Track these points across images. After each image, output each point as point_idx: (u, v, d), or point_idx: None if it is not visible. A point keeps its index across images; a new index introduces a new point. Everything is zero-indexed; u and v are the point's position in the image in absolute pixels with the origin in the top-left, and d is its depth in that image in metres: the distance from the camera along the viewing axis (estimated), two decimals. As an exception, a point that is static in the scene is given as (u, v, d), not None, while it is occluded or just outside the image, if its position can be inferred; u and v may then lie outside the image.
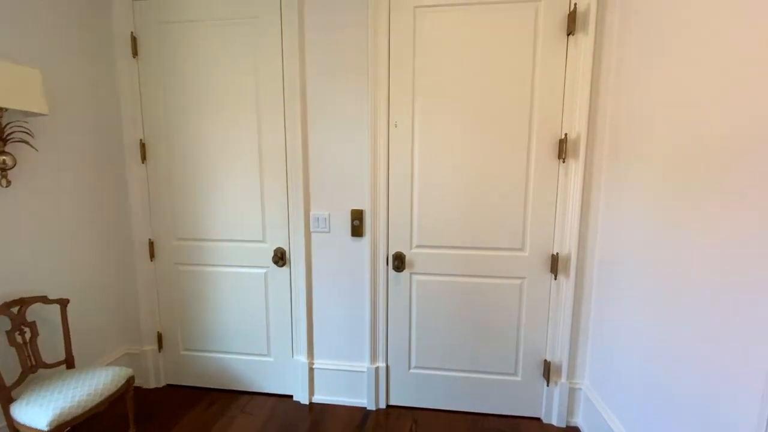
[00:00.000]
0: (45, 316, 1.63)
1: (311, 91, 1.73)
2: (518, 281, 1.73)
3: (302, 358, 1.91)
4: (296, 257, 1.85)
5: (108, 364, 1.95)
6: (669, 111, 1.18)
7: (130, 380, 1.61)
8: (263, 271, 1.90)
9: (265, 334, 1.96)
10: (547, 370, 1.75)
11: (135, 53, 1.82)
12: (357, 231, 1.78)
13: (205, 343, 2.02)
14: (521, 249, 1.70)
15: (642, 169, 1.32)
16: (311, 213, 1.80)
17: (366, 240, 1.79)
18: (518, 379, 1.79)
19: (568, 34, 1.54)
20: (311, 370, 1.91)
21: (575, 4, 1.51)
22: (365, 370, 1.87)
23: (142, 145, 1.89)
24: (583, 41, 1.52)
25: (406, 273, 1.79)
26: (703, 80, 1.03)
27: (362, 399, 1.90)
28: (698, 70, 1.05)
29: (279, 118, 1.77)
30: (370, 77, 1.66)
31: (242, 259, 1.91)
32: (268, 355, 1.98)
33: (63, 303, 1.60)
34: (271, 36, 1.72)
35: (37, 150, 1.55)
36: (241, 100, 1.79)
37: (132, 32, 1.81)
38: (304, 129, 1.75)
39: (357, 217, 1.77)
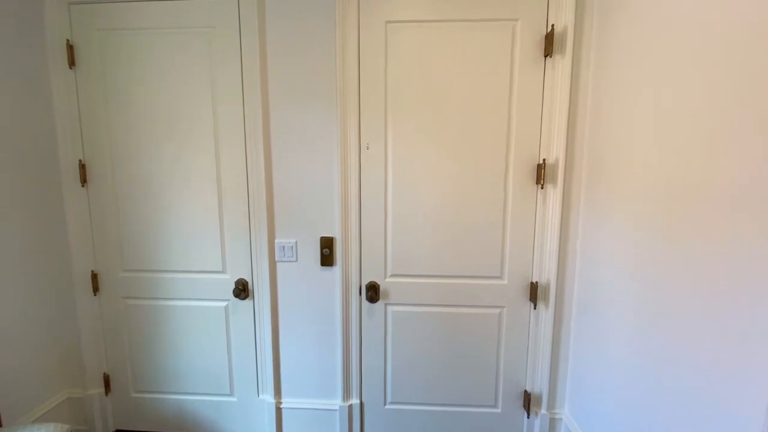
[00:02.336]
0: (-41, 370, 1.40)
1: (274, 109, 1.58)
2: (497, 310, 1.66)
3: (269, 398, 1.76)
4: (260, 289, 1.69)
5: (45, 413, 1.72)
6: (645, 134, 1.13)
7: (67, 438, 1.40)
8: (223, 304, 1.73)
9: (227, 373, 1.79)
10: (528, 401, 1.68)
11: (72, 63, 1.61)
12: (327, 260, 1.65)
13: (160, 383, 1.83)
14: (500, 277, 1.63)
15: (620, 194, 1.27)
16: (276, 241, 1.66)
17: (337, 269, 1.66)
18: (498, 411, 1.72)
19: (546, 56, 1.48)
20: (279, 410, 1.76)
21: (552, 25, 1.45)
22: (337, 408, 1.74)
23: (82, 166, 1.67)
24: (561, 63, 1.47)
25: (380, 304, 1.68)
26: (676, 103, 0.98)
27: (335, 439, 1.77)
28: (672, 92, 1.00)
29: (239, 138, 1.61)
30: (339, 95, 1.54)
31: (200, 292, 1.73)
32: (231, 395, 1.81)
33: (-19, 354, 1.38)
34: (228, 50, 1.56)
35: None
36: (197, 118, 1.61)
37: (68, 40, 1.60)
38: (267, 150, 1.60)
39: (327, 245, 1.64)
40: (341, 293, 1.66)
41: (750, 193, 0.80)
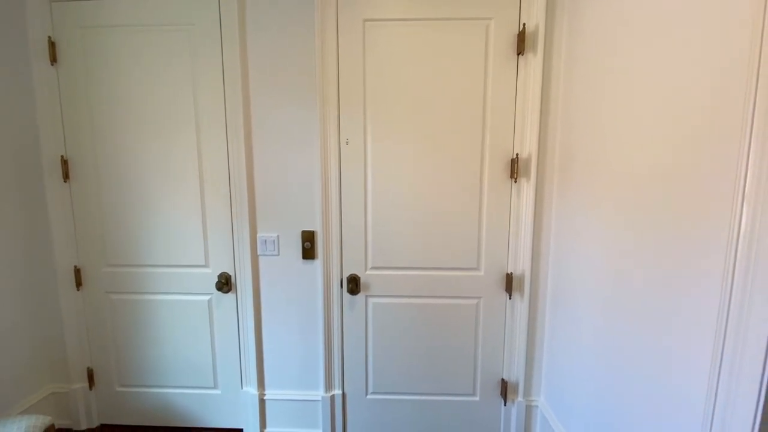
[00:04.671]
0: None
1: (256, 105, 1.61)
2: (474, 301, 1.70)
3: (252, 390, 1.79)
4: (243, 282, 1.72)
5: (29, 408, 1.73)
6: (613, 130, 1.18)
7: (50, 429, 1.42)
8: (207, 297, 1.76)
9: (211, 366, 1.81)
10: (504, 390, 1.73)
11: (54, 60, 1.63)
12: (308, 253, 1.69)
13: (144, 377, 1.84)
14: (477, 269, 1.68)
15: (590, 188, 1.32)
16: (258, 235, 1.69)
17: (318, 263, 1.69)
18: (477, 399, 1.77)
19: (518, 54, 1.53)
20: (262, 401, 1.79)
21: (524, 24, 1.50)
22: (320, 398, 1.78)
23: (64, 162, 1.69)
24: (533, 61, 1.52)
25: (361, 296, 1.72)
26: (640, 99, 1.04)
27: (318, 429, 1.80)
28: (637, 90, 1.05)
29: (221, 133, 1.64)
30: (319, 90, 1.58)
31: (183, 286, 1.75)
32: (215, 387, 1.83)
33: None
34: (209, 46, 1.59)
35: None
36: (179, 114, 1.64)
37: (50, 36, 1.61)
38: (249, 145, 1.63)
39: (308, 238, 1.68)
40: (323, 286, 1.70)
41: (706, 187, 0.85)
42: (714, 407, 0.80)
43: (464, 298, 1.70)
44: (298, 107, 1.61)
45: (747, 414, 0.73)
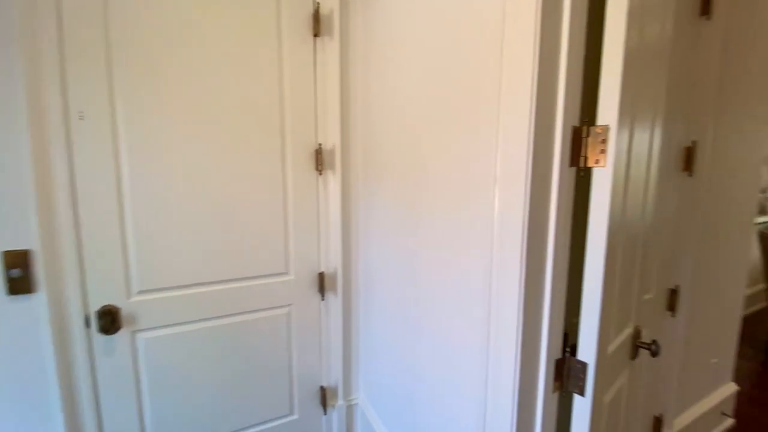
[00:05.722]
0: None
1: None
2: (285, 309, 1.51)
3: None
4: None
5: None
6: (392, 120, 1.20)
7: None
8: None
9: None
10: (324, 397, 1.62)
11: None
12: (19, 286, 1.08)
13: None
14: (286, 273, 1.49)
15: (381, 178, 1.33)
16: None
17: (40, 297, 1.11)
18: (296, 417, 1.59)
19: (315, 36, 1.41)
20: None
21: (318, 3, 1.39)
22: (62, 498, 1.19)
23: None
24: (330, 45, 1.43)
25: (124, 333, 1.23)
26: (407, 90, 1.07)
27: None
28: (402, 81, 1.09)
29: None
30: (20, 30, 1.00)
31: None
32: None
33: None
34: None
35: None
36: None
37: None
38: None
39: (17, 262, 1.07)
40: (52, 332, 1.12)
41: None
42: (487, 357, 0.88)
43: (273, 309, 1.48)
44: (-29, 51, 0.98)
45: (509, 368, 0.82)
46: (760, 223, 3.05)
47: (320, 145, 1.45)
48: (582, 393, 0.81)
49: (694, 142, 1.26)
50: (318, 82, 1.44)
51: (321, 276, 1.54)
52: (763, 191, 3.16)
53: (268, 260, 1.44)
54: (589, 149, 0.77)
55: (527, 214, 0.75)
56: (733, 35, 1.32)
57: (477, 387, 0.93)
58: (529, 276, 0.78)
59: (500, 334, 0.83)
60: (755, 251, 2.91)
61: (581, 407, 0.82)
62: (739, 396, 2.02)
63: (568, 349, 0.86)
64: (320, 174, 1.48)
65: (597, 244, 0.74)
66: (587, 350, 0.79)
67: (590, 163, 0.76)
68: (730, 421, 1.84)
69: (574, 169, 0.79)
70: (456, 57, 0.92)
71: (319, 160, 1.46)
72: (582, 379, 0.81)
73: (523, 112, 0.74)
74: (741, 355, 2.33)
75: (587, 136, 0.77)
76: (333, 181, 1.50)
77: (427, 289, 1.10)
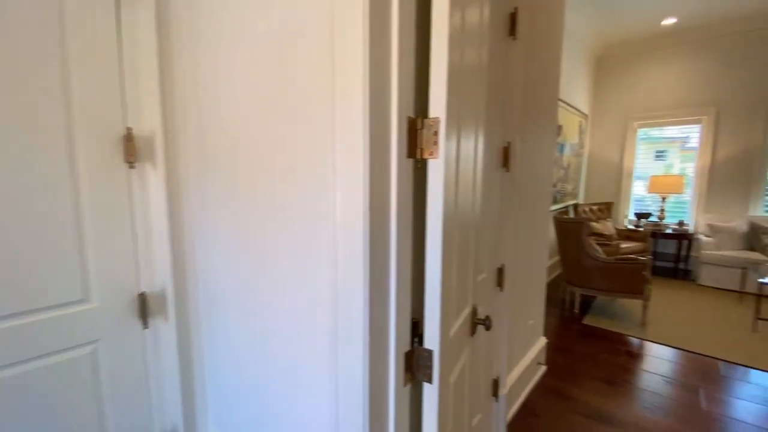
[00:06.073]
0: None
1: None
2: (89, 348, 1.13)
3: None
4: None
5: None
6: (226, 105, 1.03)
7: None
8: None
9: None
10: (158, 448, 1.30)
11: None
12: None
13: None
14: (85, 300, 1.11)
15: (216, 174, 1.12)
16: None
17: None
18: (114, 486, 1.22)
19: (115, -12, 1.09)
20: None
21: (117, -55, 1.07)
22: None
23: None
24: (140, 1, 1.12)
25: None
26: (238, 81, 0.93)
27: None
28: (234, 70, 0.94)
29: None
30: None
31: None
32: None
33: None
34: None
35: None
36: None
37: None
38: None
39: None
40: None
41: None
42: (336, 361, 0.81)
43: (68, 350, 1.09)
44: None
45: (358, 371, 0.77)
46: (553, 210, 4.03)
47: (129, 129, 1.13)
48: (430, 380, 0.82)
49: (508, 143, 1.48)
50: (125, 46, 1.11)
51: (142, 297, 1.21)
52: (554, 185, 4.18)
53: (55, 287, 1.04)
54: (424, 141, 0.77)
55: (368, 205, 0.71)
56: (533, 51, 1.61)
57: (328, 393, 0.85)
58: (373, 269, 0.73)
59: (349, 334, 0.77)
60: (551, 232, 3.79)
61: (430, 394, 0.83)
62: (548, 346, 2.57)
63: (416, 339, 0.87)
64: (131, 167, 1.16)
65: (434, 232, 0.75)
66: (432, 338, 0.80)
67: (425, 155, 0.77)
68: (543, 368, 2.32)
69: (411, 160, 0.79)
70: (292, 47, 0.81)
71: (130, 149, 1.13)
72: (429, 367, 0.81)
73: (357, 102, 0.69)
74: (546, 313, 2.98)
75: (422, 128, 0.77)
76: (154, 176, 1.19)
77: (272, 291, 0.97)
